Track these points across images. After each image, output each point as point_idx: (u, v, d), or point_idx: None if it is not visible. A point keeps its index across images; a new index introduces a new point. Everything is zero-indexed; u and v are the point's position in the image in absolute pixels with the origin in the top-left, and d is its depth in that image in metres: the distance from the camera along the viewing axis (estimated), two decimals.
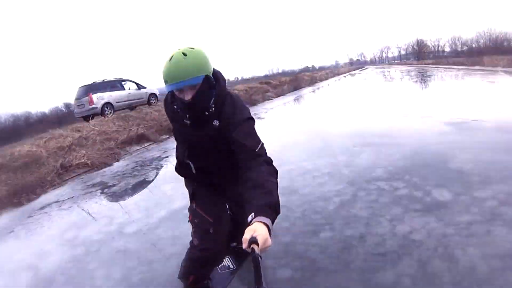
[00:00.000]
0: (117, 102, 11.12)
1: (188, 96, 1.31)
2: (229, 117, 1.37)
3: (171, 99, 1.47)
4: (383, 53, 69.86)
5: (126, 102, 11.53)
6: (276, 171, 1.29)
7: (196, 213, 1.61)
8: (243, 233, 0.97)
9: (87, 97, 10.41)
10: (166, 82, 1.29)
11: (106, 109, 10.65)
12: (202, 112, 1.37)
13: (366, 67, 43.75)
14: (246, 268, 1.75)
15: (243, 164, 1.30)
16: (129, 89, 11.88)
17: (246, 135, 1.34)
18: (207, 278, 1.75)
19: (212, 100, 1.37)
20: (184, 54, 1.26)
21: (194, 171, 1.59)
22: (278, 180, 1.28)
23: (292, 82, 18.78)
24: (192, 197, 1.67)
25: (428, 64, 35.71)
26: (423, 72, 22.56)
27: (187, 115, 1.39)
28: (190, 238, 1.65)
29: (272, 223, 1.05)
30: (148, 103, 12.30)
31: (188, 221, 1.66)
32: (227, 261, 1.75)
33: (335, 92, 16.03)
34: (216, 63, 1.44)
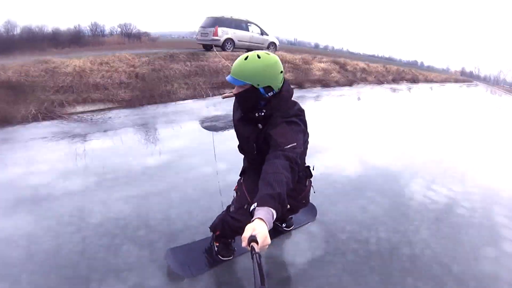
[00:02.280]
0: (239, 41, 11.10)
1: (235, 91, 1.54)
2: (274, 120, 1.48)
3: None
4: (501, 73, 57.91)
5: (247, 43, 11.39)
6: (292, 167, 1.31)
7: (240, 187, 1.79)
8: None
9: (213, 29, 10.51)
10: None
11: (227, 43, 10.70)
12: (247, 110, 1.54)
13: (475, 82, 32.80)
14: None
15: (267, 157, 1.37)
16: (252, 32, 11.57)
17: (281, 134, 1.42)
18: (232, 238, 1.95)
19: (260, 108, 1.50)
20: (246, 58, 1.45)
21: (245, 156, 1.85)
22: None
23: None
24: (242, 173, 1.86)
25: None
26: None
27: (240, 107, 1.60)
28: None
29: (277, 213, 1.13)
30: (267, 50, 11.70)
31: (233, 190, 1.85)
32: None
33: None
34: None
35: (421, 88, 15.22)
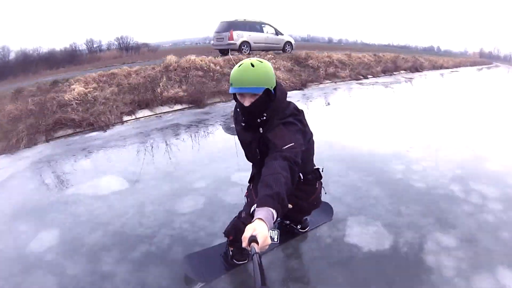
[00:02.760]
0: (254, 43, 11.12)
1: (247, 102, 1.49)
2: (271, 123, 1.51)
3: (237, 103, 1.61)
4: None
5: (263, 44, 11.45)
6: (290, 166, 1.31)
7: (250, 193, 1.86)
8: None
9: (228, 33, 10.60)
10: (231, 84, 1.47)
11: (243, 46, 10.75)
12: (255, 118, 1.53)
13: (495, 63, 29.53)
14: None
15: (266, 160, 1.38)
16: (267, 32, 11.53)
17: (278, 136, 1.43)
18: None
19: (267, 111, 1.52)
20: (252, 65, 1.45)
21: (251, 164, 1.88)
22: None
23: None
24: (251, 179, 1.91)
25: None
26: None
27: (243, 118, 1.58)
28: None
29: (277, 212, 1.13)
30: (283, 50, 11.62)
31: (244, 196, 1.94)
32: (274, 234, 1.46)
33: None
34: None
35: (427, 77, 12.19)
